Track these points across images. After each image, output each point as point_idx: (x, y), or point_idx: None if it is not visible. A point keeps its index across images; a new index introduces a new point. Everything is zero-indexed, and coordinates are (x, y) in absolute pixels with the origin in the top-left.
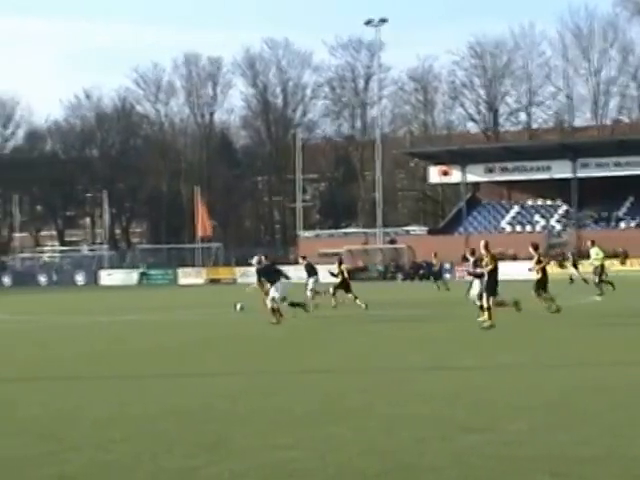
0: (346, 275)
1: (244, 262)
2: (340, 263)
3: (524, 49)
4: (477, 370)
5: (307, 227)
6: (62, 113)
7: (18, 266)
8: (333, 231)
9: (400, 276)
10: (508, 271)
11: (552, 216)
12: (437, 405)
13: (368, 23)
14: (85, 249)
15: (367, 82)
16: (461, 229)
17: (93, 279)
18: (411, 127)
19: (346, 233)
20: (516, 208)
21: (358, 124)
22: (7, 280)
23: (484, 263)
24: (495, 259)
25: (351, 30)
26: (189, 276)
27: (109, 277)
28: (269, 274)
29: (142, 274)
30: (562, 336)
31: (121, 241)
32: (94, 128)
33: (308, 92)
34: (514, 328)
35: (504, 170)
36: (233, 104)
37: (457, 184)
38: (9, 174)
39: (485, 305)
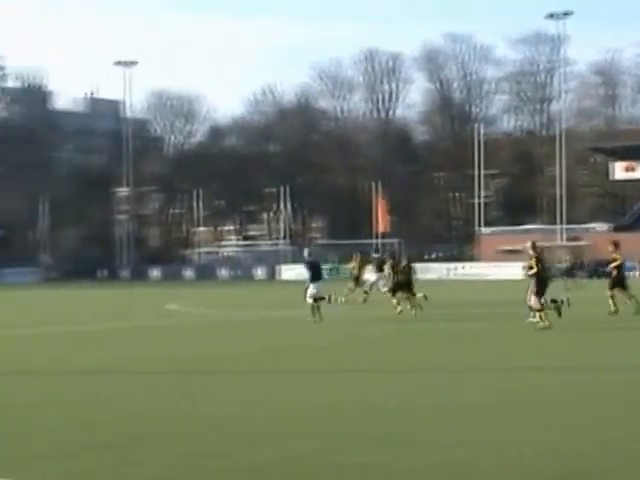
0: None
1: (422, 258)
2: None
3: None
4: None
5: (486, 223)
6: (243, 109)
7: (200, 260)
8: (513, 227)
9: (582, 274)
10: None
11: None
12: (617, 406)
13: (550, 17)
14: (265, 244)
15: (549, 76)
16: None
17: (272, 274)
18: (594, 122)
19: (526, 230)
20: None
21: (539, 119)
22: (189, 274)
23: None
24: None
25: (532, 24)
26: (367, 272)
27: (288, 272)
28: (314, 270)
29: (331, 269)
30: None
31: (300, 236)
32: (274, 124)
33: (488, 87)
34: None
35: None
36: (412, 99)
37: None
38: (192, 170)
39: None
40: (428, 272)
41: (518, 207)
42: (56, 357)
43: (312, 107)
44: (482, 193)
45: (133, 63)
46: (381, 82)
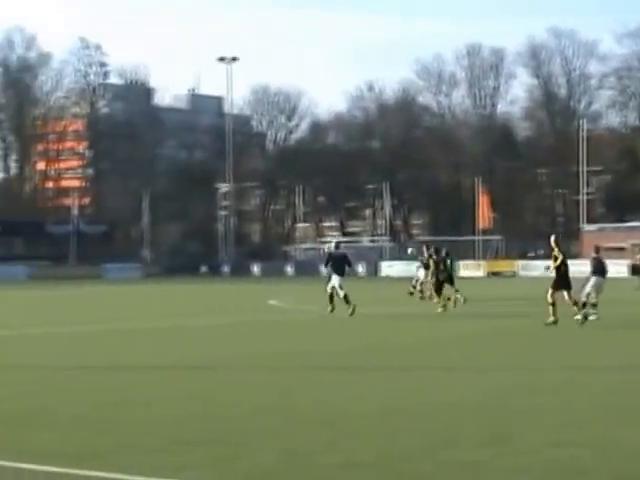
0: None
1: (524, 255)
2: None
3: None
4: None
5: (590, 220)
6: (344, 105)
7: (300, 256)
8: (617, 225)
9: None
10: None
11: None
12: None
13: None
14: (366, 240)
15: None
16: None
17: (373, 270)
18: None
19: (630, 227)
20: None
21: None
22: (290, 270)
23: None
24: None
25: (639, 18)
26: (469, 268)
27: (389, 268)
28: (338, 263)
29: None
30: None
31: (401, 232)
32: (376, 120)
33: (593, 82)
34: None
35: None
36: (515, 95)
37: None
38: (293, 166)
39: None
40: (530, 270)
41: (622, 204)
42: (162, 352)
43: (414, 103)
44: (585, 190)
45: (235, 59)
46: (484, 78)
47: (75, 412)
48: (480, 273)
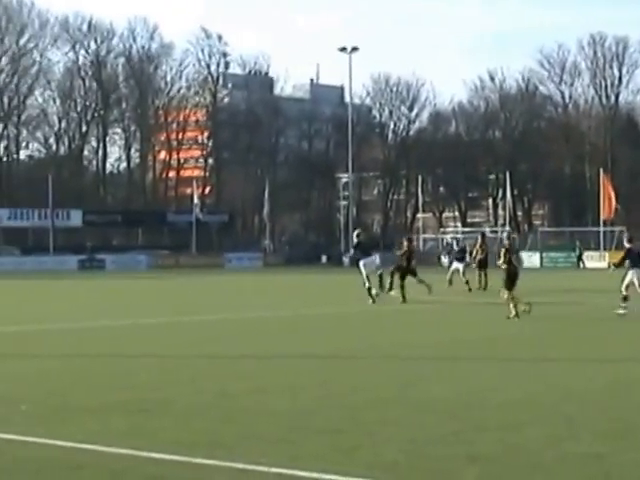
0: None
1: None
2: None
3: None
4: None
5: None
6: (466, 95)
7: (421, 246)
8: None
9: None
10: None
11: None
12: None
13: None
14: (487, 230)
15: None
16: None
17: (494, 260)
18: None
19: None
20: None
21: None
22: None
23: None
24: None
25: None
26: (592, 259)
27: None
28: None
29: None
30: None
31: (522, 223)
32: (497, 110)
33: None
34: None
35: None
36: (639, 84)
37: None
38: (414, 155)
39: None
40: None
41: None
42: (284, 341)
43: (536, 93)
44: None
45: (355, 49)
46: (607, 67)
47: (199, 401)
48: (604, 264)
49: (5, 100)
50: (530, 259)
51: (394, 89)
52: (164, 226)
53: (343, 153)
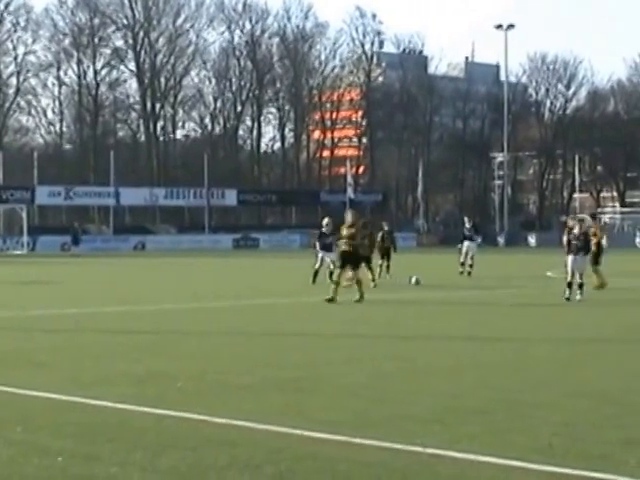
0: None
1: None
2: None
3: None
4: None
5: None
6: (625, 72)
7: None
8: None
9: None
10: None
11: None
12: None
13: None
14: None
15: None
16: None
17: None
18: None
19: None
20: None
21: None
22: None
23: None
24: None
25: None
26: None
27: None
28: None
29: None
30: None
31: None
32: None
33: None
34: None
35: None
36: None
37: None
38: (571, 134)
39: None
40: None
41: None
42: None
43: None
44: None
45: (511, 26)
46: None
47: (353, 381)
48: None
49: (162, 80)
50: None
51: (551, 67)
52: (318, 206)
53: (498, 132)
